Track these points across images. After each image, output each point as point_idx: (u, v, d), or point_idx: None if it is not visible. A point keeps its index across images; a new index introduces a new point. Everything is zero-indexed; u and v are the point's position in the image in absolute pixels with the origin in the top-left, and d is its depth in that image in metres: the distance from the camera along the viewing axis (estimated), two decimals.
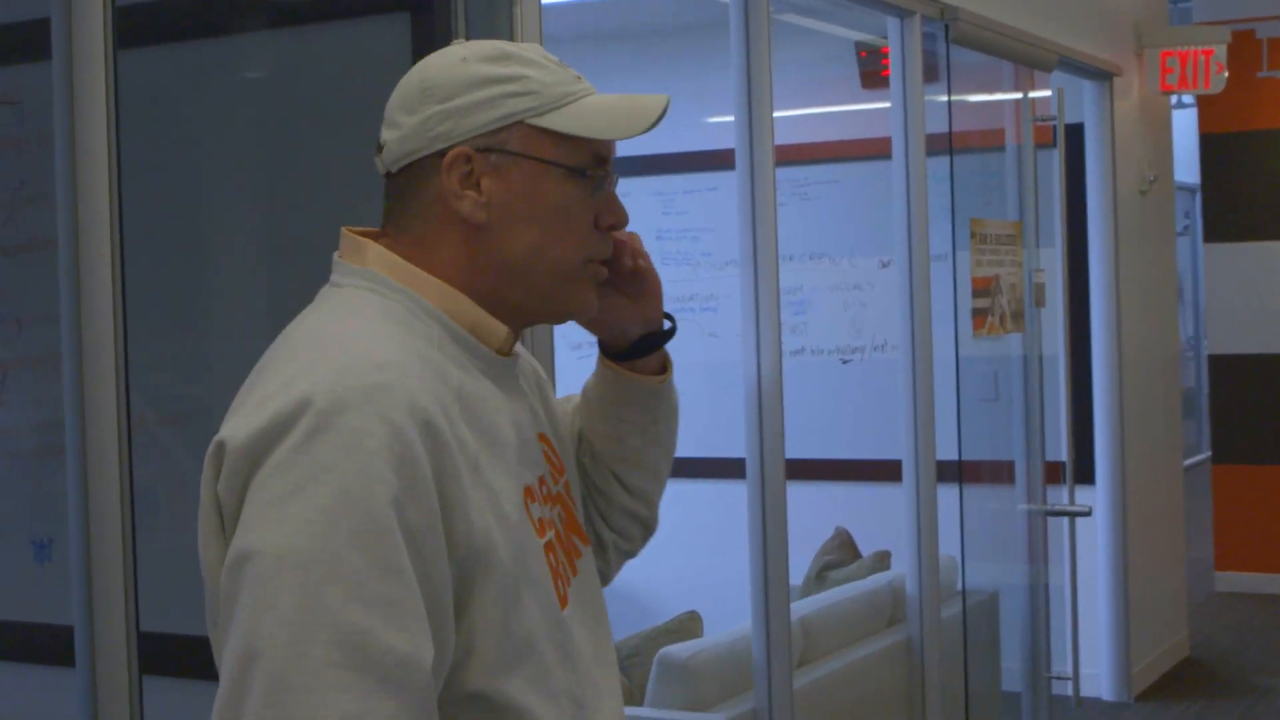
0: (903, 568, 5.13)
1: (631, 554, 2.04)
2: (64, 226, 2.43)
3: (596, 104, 1.69)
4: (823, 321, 7.13)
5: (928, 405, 5.00)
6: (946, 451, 5.39)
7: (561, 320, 1.80)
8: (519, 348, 1.79)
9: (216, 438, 1.51)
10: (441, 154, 1.65)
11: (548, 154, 1.66)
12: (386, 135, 1.69)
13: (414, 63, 3.25)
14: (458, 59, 1.67)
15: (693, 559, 6.39)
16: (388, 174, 1.70)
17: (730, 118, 4.36)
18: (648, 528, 2.02)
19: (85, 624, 2.47)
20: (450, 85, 1.65)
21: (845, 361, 7.10)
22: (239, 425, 1.50)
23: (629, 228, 1.84)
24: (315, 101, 3.13)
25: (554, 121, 1.66)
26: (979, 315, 5.47)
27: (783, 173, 7.18)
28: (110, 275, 2.43)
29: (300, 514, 1.44)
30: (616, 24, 7.23)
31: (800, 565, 5.95)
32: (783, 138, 7.15)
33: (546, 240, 1.68)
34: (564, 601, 1.69)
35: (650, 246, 7.38)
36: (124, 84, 2.44)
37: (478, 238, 1.66)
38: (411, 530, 1.47)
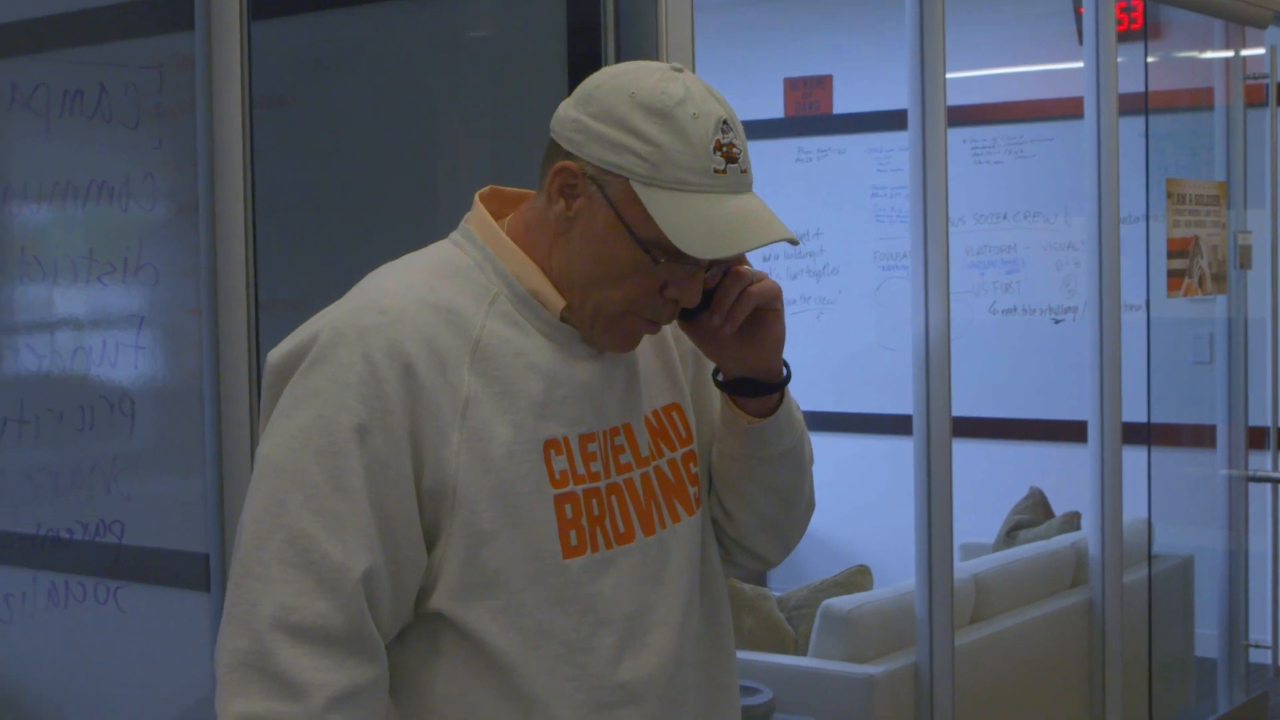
0: (1089, 530, 5.11)
1: (734, 567, 2.08)
2: (203, 189, 2.62)
3: (704, 207, 1.73)
4: (1036, 281, 7.08)
5: (1114, 366, 4.96)
6: (1140, 414, 5.34)
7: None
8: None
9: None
10: (566, 154, 1.77)
11: (631, 217, 1.74)
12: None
13: (569, 32, 3.38)
14: (628, 93, 1.75)
15: (884, 514, 6.43)
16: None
17: (954, 74, 4.34)
18: (749, 553, 2.05)
19: (219, 553, 2.69)
20: (603, 107, 1.75)
21: (1058, 321, 7.04)
22: (279, 349, 1.76)
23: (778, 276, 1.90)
24: (464, 71, 3.27)
25: (649, 198, 1.72)
26: (1175, 276, 5.38)
27: (998, 130, 7.18)
28: (244, 236, 2.62)
29: (287, 429, 1.69)
30: None
31: (995, 523, 5.97)
32: (999, 95, 7.15)
33: (599, 280, 1.78)
34: (581, 550, 1.79)
35: (864, 204, 7.42)
36: (257, 53, 2.61)
37: (560, 238, 1.80)
38: (376, 456, 1.68)
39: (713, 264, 1.79)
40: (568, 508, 1.78)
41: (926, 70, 4.30)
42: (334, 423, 1.68)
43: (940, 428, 4.33)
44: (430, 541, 1.73)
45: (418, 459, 1.71)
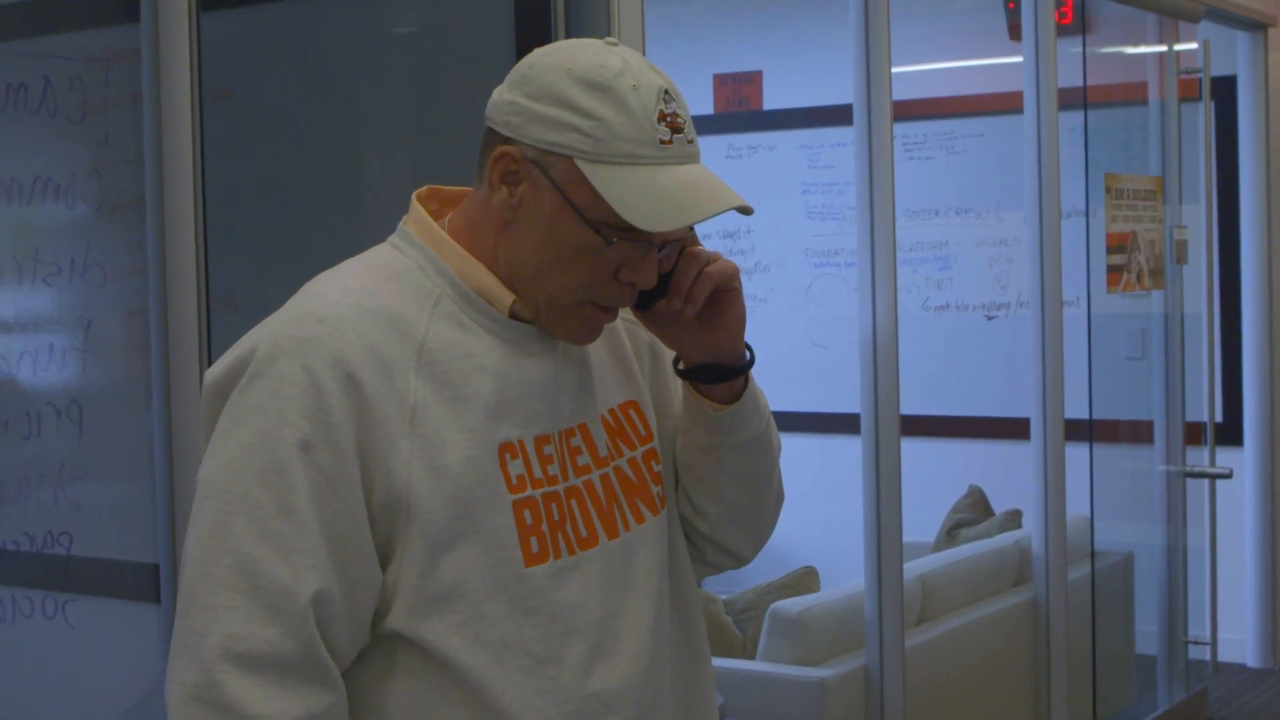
0: (1032, 527, 5.09)
1: (708, 566, 1.99)
2: (150, 185, 2.52)
3: (652, 180, 1.67)
4: (968, 277, 7.06)
5: (1056, 363, 4.94)
6: (1082, 410, 5.33)
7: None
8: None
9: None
10: (505, 139, 1.70)
11: (578, 198, 1.67)
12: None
13: (515, 20, 3.30)
14: (564, 69, 1.68)
15: (828, 515, 6.39)
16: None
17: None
18: (722, 550, 1.96)
19: (169, 563, 2.59)
20: (539, 87, 1.68)
21: (990, 318, 7.03)
22: (216, 366, 1.69)
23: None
24: (409, 64, 3.18)
25: (596, 175, 1.66)
26: (1114, 272, 5.38)
27: (929, 126, 7.15)
28: (193, 231, 2.51)
29: (228, 449, 1.62)
30: None
31: (935, 522, 5.94)
32: (930, 90, 7.12)
33: (550, 268, 1.71)
34: (544, 556, 1.71)
35: (795, 201, 7.37)
36: (206, 45, 2.51)
37: (505, 229, 1.73)
38: (322, 471, 1.61)
39: (666, 244, 1.73)
40: (527, 513, 1.71)
41: (872, 64, 4.26)
42: (276, 440, 1.61)
43: (889, 425, 4.29)
44: (385, 558, 1.66)
45: (367, 472, 1.64)
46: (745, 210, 1.70)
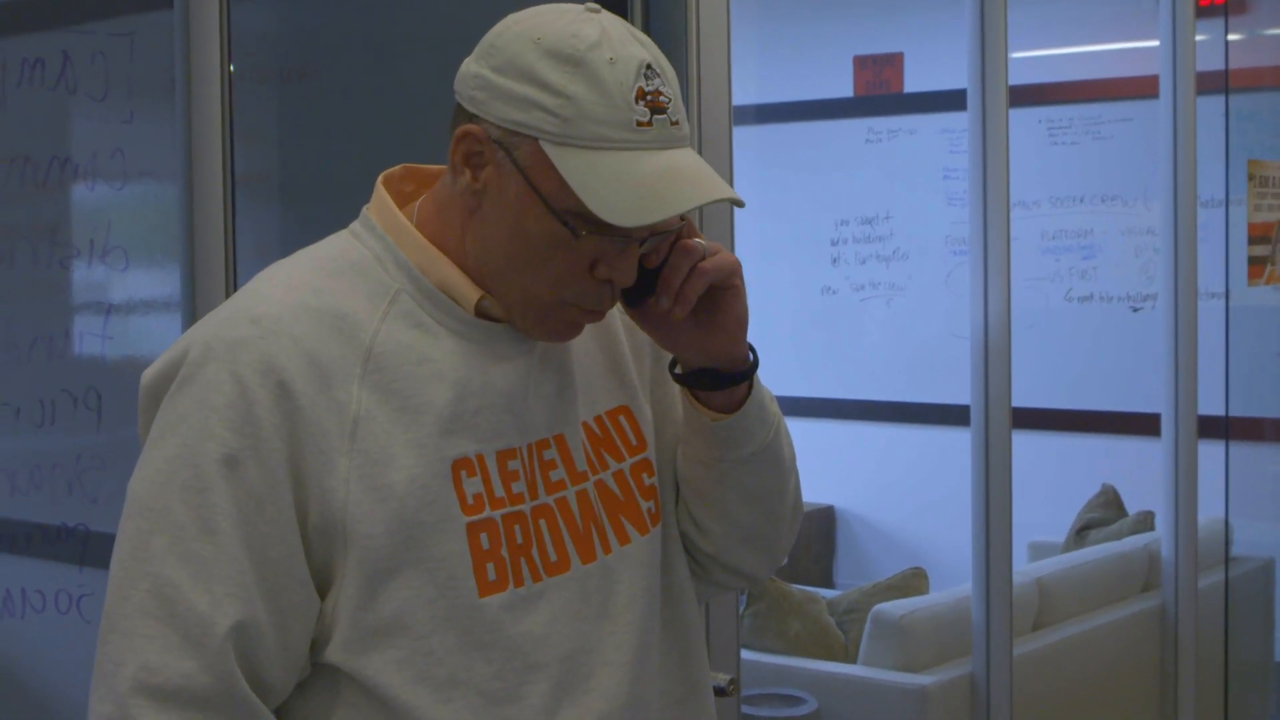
0: (1162, 530, 4.86)
1: (714, 586, 1.82)
2: (180, 163, 2.45)
3: (626, 167, 1.50)
4: (1113, 267, 6.82)
5: (1190, 357, 4.72)
6: (1219, 407, 5.09)
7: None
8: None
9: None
10: (470, 116, 1.55)
11: (544, 185, 1.51)
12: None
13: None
14: (533, 39, 1.51)
15: (951, 511, 6.21)
16: None
17: (1025, 53, 4.14)
18: (730, 571, 1.79)
19: None
20: (506, 59, 1.52)
21: (1136, 309, 6.78)
22: (151, 367, 1.57)
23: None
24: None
25: (563, 159, 1.49)
26: (1256, 264, 5.12)
27: (1074, 110, 6.91)
28: (222, 216, 2.44)
29: (153, 461, 1.50)
30: None
31: (1067, 521, 5.72)
32: (1075, 73, 6.88)
33: (519, 263, 1.56)
34: (502, 585, 1.55)
35: (936, 187, 7.22)
36: (237, 30, 2.44)
37: (470, 217, 1.58)
38: (250, 490, 1.47)
39: (652, 236, 1.56)
40: (483, 537, 1.54)
41: (987, 48, 4.08)
42: (200, 454, 1.47)
43: (999, 420, 4.10)
44: (323, 585, 1.52)
45: (300, 492, 1.49)
46: (736, 203, 1.54)
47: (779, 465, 1.74)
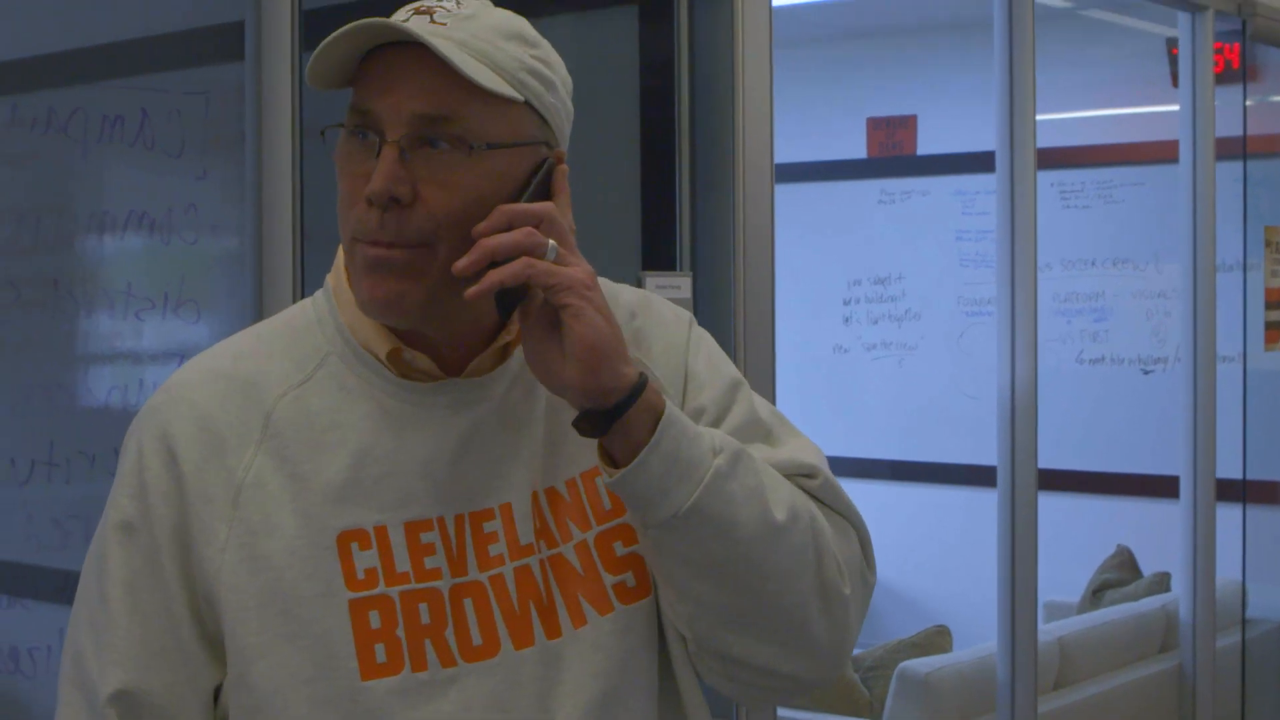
0: (1180, 591, 4.90)
1: (734, 684, 1.53)
2: (249, 217, 2.50)
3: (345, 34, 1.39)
4: (1124, 329, 6.87)
5: (1208, 419, 4.76)
6: (1236, 470, 5.13)
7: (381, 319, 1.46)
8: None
9: None
10: None
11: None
12: None
13: (641, 56, 3.24)
14: None
15: (973, 571, 6.24)
16: None
17: (1042, 116, 4.19)
18: (736, 663, 1.50)
19: None
20: None
21: (1147, 372, 6.82)
22: None
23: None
24: None
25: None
26: (1274, 328, 5.17)
27: (1087, 174, 6.97)
28: (290, 269, 2.48)
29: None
30: (882, 21, 7.13)
31: (1081, 581, 5.75)
32: (1088, 137, 6.95)
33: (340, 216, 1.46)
34: (395, 668, 1.42)
35: (949, 247, 7.25)
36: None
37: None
38: (143, 557, 1.44)
39: (434, 135, 1.38)
40: (373, 614, 1.41)
41: (1015, 111, 4.14)
42: (106, 521, 1.47)
43: (1026, 481, 4.15)
44: (224, 658, 1.44)
45: (187, 560, 1.43)
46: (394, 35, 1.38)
47: (729, 531, 1.42)
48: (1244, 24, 4.97)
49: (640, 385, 1.39)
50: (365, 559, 1.42)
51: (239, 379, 1.47)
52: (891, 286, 7.36)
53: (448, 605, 1.44)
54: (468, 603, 1.44)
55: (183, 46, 2.56)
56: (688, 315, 1.65)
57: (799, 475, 1.54)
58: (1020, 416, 4.12)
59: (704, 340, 1.63)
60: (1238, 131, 5.08)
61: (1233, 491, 5.06)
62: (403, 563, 1.43)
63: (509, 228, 1.38)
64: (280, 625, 1.41)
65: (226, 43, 2.46)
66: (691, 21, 3.14)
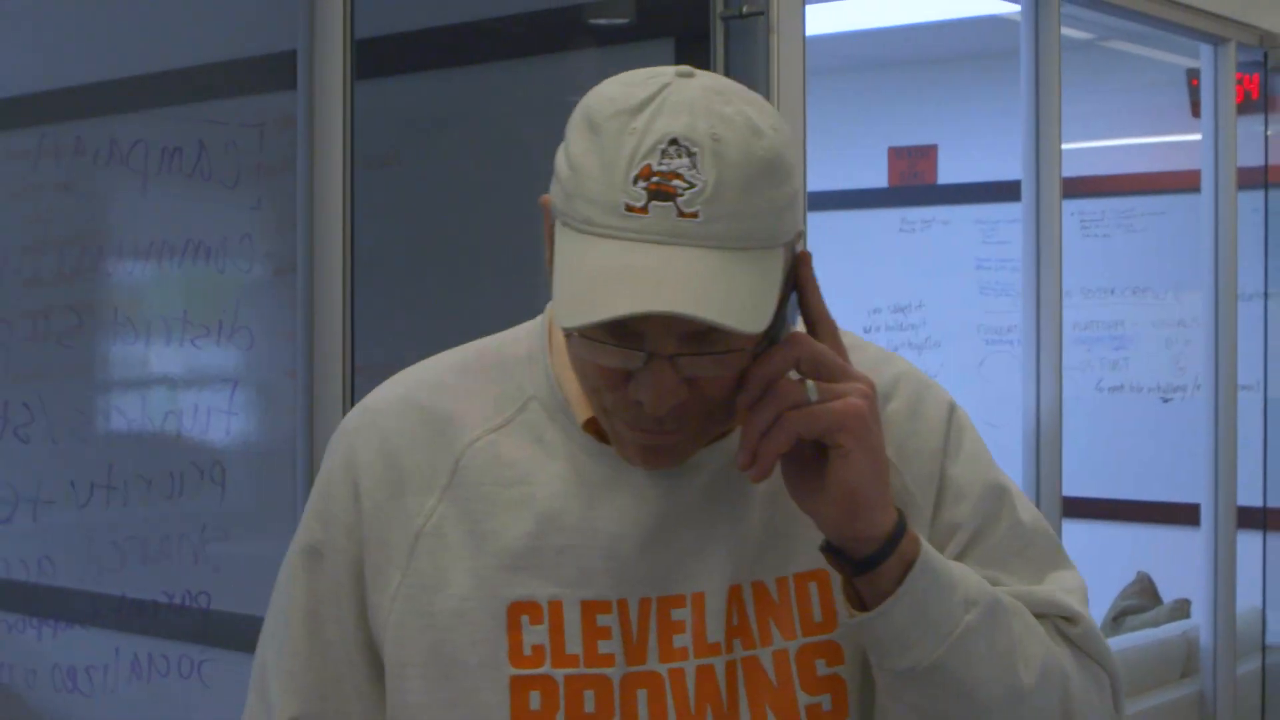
0: (1200, 618, 4.93)
1: None
2: (301, 250, 2.56)
3: (584, 258, 1.22)
4: (1144, 358, 6.91)
5: (1229, 447, 4.80)
6: (1256, 498, 5.17)
7: None
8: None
9: None
10: None
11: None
12: None
13: None
14: (586, 100, 1.29)
15: None
16: None
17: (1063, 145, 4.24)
18: None
19: None
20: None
21: (1166, 400, 6.86)
22: None
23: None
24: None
25: (559, 241, 1.26)
26: None
27: (1107, 203, 7.03)
28: (341, 297, 2.55)
29: None
30: (903, 53, 7.19)
31: (1101, 608, 5.78)
32: (1108, 167, 7.00)
33: (574, 366, 1.34)
34: None
35: (969, 276, 7.29)
36: (359, 113, 2.55)
37: None
38: (323, 585, 1.41)
39: (689, 354, 1.22)
40: (534, 695, 1.32)
41: (1041, 141, 4.19)
42: (296, 540, 1.43)
43: (1050, 507, 4.19)
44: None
45: (363, 599, 1.39)
46: (709, 324, 1.18)
47: (970, 692, 1.31)
48: (1265, 55, 5.03)
49: (897, 535, 1.28)
50: (534, 634, 1.33)
51: (434, 415, 1.39)
52: (912, 315, 7.41)
53: (616, 695, 1.33)
54: (641, 694, 1.33)
55: (236, 75, 2.63)
56: (947, 400, 1.52)
57: (1058, 617, 1.43)
58: (1045, 444, 4.17)
59: (964, 436, 1.50)
60: (1259, 161, 5.13)
61: (1253, 519, 5.09)
62: (574, 644, 1.33)
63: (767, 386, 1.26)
64: (441, 689, 1.34)
65: (279, 72, 2.52)
66: (727, 54, 3.20)
